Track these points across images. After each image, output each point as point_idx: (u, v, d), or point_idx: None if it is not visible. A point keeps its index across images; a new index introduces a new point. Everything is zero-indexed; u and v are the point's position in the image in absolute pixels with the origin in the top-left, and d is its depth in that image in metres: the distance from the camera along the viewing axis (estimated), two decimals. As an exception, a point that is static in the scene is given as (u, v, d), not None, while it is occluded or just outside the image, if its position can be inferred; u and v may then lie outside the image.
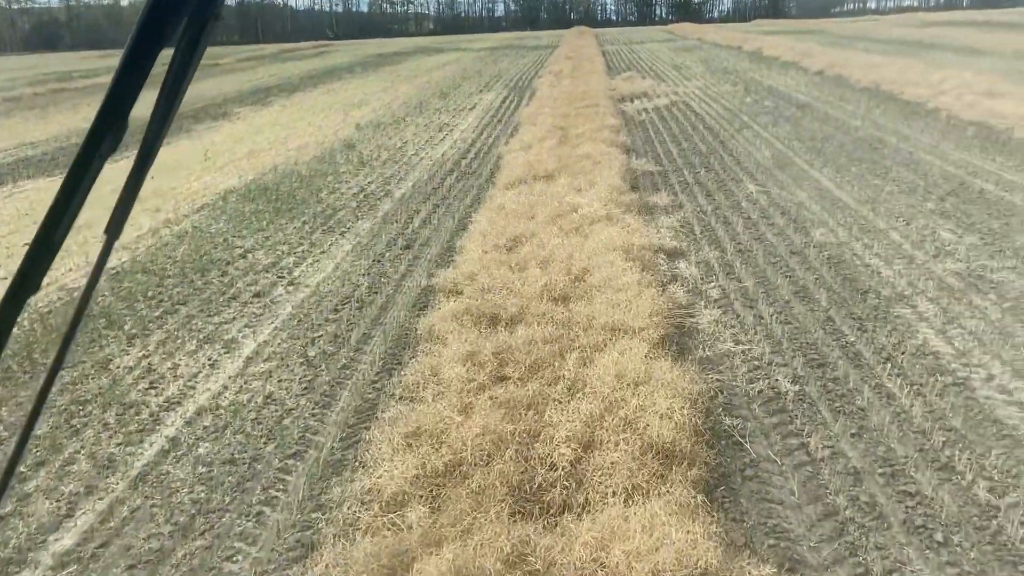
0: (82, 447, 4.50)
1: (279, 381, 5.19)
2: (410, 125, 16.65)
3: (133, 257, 7.99)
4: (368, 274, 7.21)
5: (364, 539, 3.43)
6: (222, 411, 4.83)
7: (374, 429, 4.35)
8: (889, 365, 5.00)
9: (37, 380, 5.36)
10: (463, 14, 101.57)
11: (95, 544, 3.67)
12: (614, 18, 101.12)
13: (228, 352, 5.70)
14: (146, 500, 3.99)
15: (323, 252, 7.99)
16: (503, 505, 3.49)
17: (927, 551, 3.36)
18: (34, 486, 4.15)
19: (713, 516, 3.47)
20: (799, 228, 8.00)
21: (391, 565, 3.21)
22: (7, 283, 0.75)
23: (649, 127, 14.75)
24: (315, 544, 3.54)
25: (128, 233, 8.85)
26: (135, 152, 0.78)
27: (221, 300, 6.72)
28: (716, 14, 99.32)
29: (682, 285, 6.47)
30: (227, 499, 3.97)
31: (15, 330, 6.32)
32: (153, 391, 5.15)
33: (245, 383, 5.20)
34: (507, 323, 5.40)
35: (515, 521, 3.42)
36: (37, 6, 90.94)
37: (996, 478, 3.82)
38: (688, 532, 3.19)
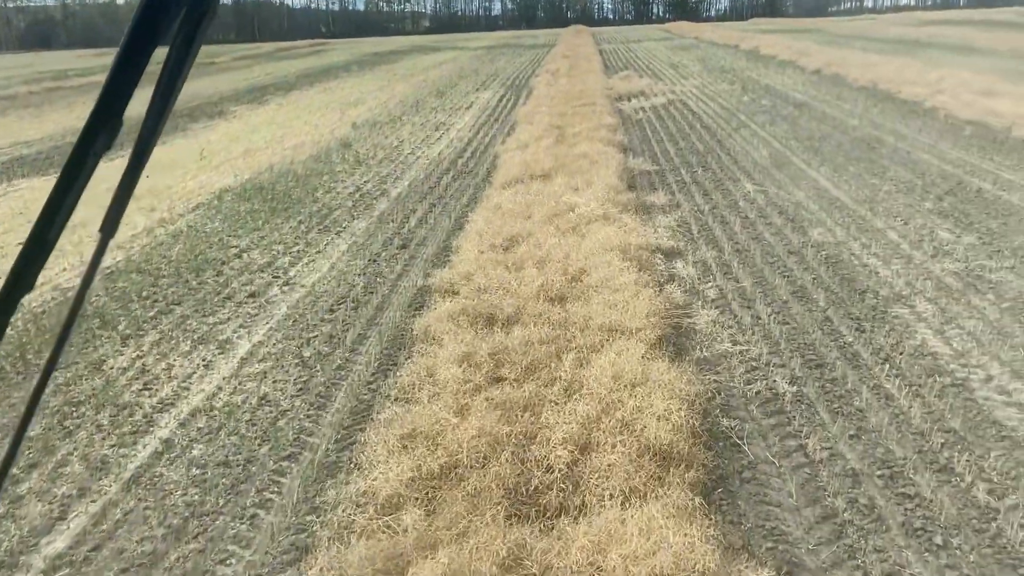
0: (75, 449, 4.46)
1: (274, 382, 5.16)
2: (406, 124, 16.61)
3: (128, 256, 7.95)
4: (364, 274, 7.18)
5: (359, 542, 3.39)
6: (216, 412, 4.80)
7: (369, 431, 4.32)
8: (887, 366, 4.98)
9: (30, 381, 5.32)
10: (460, 13, 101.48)
11: (87, 547, 3.64)
12: (611, 17, 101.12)
13: (223, 353, 5.67)
14: (139, 502, 3.95)
15: (319, 252, 7.96)
16: (499, 508, 3.46)
17: (926, 554, 3.34)
18: (27, 488, 4.11)
19: (711, 519, 3.44)
20: (797, 228, 7.97)
21: (386, 569, 3.19)
22: (0, 283, 0.73)
23: (646, 126, 14.72)
24: (309, 547, 3.51)
25: (123, 232, 8.80)
26: (130, 150, 0.77)
27: (216, 300, 6.68)
28: (713, 13, 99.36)
29: (679, 285, 6.44)
30: (221, 501, 3.93)
31: (8, 330, 6.26)
32: (147, 392, 5.12)
33: (240, 384, 5.17)
34: (503, 324, 5.37)
35: (511, 524, 3.39)
36: (33, 4, 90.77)
37: (995, 480, 3.80)
38: (686, 535, 3.16)
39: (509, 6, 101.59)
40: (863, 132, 13.10)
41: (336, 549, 3.38)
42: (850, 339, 5.40)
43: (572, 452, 3.80)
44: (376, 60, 40.41)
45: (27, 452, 4.42)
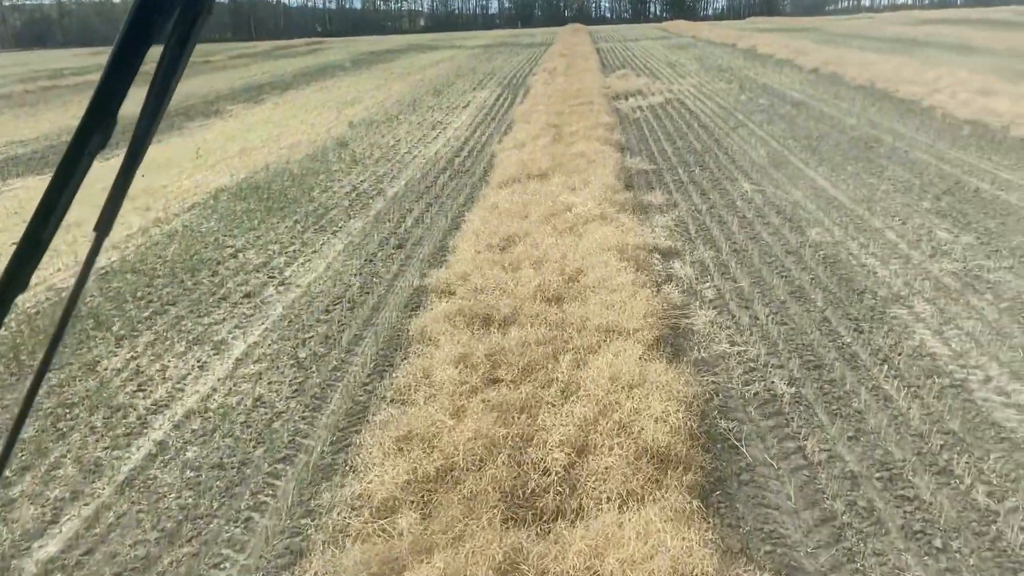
0: (68, 451, 4.43)
1: (269, 383, 5.12)
2: (403, 123, 16.57)
3: (122, 257, 7.91)
4: (360, 274, 7.14)
5: (354, 546, 3.36)
6: (211, 414, 4.76)
7: (365, 433, 4.29)
8: (886, 367, 4.95)
9: (24, 382, 5.28)
10: (457, 11, 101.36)
11: (80, 551, 3.61)
12: (608, 15, 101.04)
13: (217, 354, 5.63)
14: (132, 505, 3.92)
15: (315, 252, 7.92)
16: (495, 511, 3.43)
17: (926, 557, 3.31)
18: (19, 491, 4.07)
19: (709, 522, 3.41)
20: (794, 227, 7.95)
21: (381, 573, 3.16)
22: None
23: (643, 125, 14.69)
24: (304, 551, 3.48)
25: (118, 232, 8.76)
26: (124, 150, 0.77)
27: (211, 301, 6.64)
28: (710, 11, 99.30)
29: (677, 285, 6.41)
30: (215, 504, 3.90)
31: (2, 330, 6.26)
32: (141, 394, 5.08)
33: (234, 385, 5.13)
34: (500, 324, 5.34)
35: (507, 528, 3.36)
36: (29, 3, 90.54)
37: (995, 482, 3.77)
38: (683, 539, 3.13)
39: (506, 5, 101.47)
40: (861, 131, 13.09)
41: (331, 553, 3.35)
42: (848, 340, 5.38)
43: (569, 455, 3.77)
44: (373, 59, 40.35)
45: (20, 455, 4.38)
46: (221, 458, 4.28)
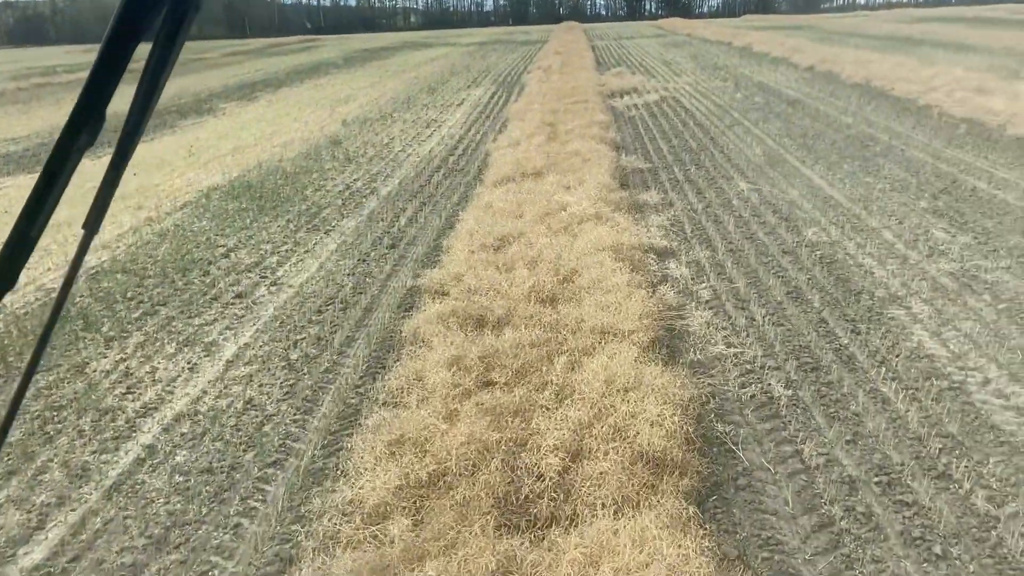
0: (55, 455, 4.36)
1: (260, 386, 5.05)
2: (397, 121, 16.49)
3: (113, 256, 7.83)
4: (353, 274, 7.07)
5: (344, 553, 3.30)
6: (201, 417, 4.70)
7: (356, 437, 4.22)
8: (884, 369, 4.91)
9: (11, 384, 5.21)
10: (451, 9, 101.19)
11: (66, 558, 3.54)
12: (603, 13, 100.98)
13: (208, 355, 5.56)
14: (120, 511, 3.85)
15: (307, 251, 7.85)
16: (488, 518, 3.37)
17: (925, 564, 3.26)
18: (4, 496, 4.01)
19: (705, 529, 3.36)
20: (791, 227, 7.90)
21: (372, 581, 3.09)
22: None
23: (639, 123, 14.64)
24: (294, 558, 3.42)
25: (108, 231, 8.68)
26: (113, 147, 0.76)
27: (202, 301, 6.57)
28: (706, 9, 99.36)
29: (672, 286, 6.36)
30: (204, 510, 3.84)
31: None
32: (130, 396, 5.01)
33: (225, 388, 5.06)
34: (494, 326, 5.28)
35: (500, 535, 3.30)
36: (22, 0, 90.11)
37: (995, 487, 3.73)
38: (680, 547, 3.08)
39: (501, 2, 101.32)
40: (857, 130, 13.05)
41: (321, 560, 3.29)
42: (846, 341, 5.33)
43: (563, 459, 3.71)
44: (367, 56, 40.23)
45: (6, 459, 4.31)
46: (211, 462, 4.22)
